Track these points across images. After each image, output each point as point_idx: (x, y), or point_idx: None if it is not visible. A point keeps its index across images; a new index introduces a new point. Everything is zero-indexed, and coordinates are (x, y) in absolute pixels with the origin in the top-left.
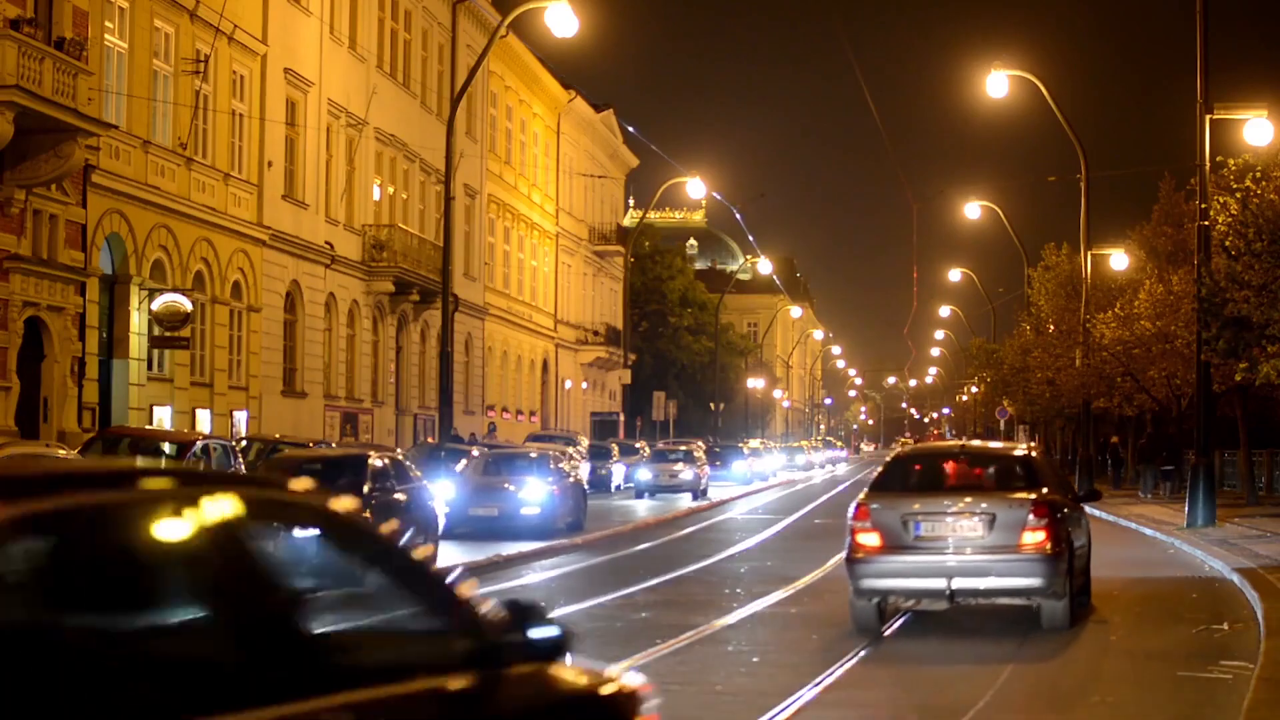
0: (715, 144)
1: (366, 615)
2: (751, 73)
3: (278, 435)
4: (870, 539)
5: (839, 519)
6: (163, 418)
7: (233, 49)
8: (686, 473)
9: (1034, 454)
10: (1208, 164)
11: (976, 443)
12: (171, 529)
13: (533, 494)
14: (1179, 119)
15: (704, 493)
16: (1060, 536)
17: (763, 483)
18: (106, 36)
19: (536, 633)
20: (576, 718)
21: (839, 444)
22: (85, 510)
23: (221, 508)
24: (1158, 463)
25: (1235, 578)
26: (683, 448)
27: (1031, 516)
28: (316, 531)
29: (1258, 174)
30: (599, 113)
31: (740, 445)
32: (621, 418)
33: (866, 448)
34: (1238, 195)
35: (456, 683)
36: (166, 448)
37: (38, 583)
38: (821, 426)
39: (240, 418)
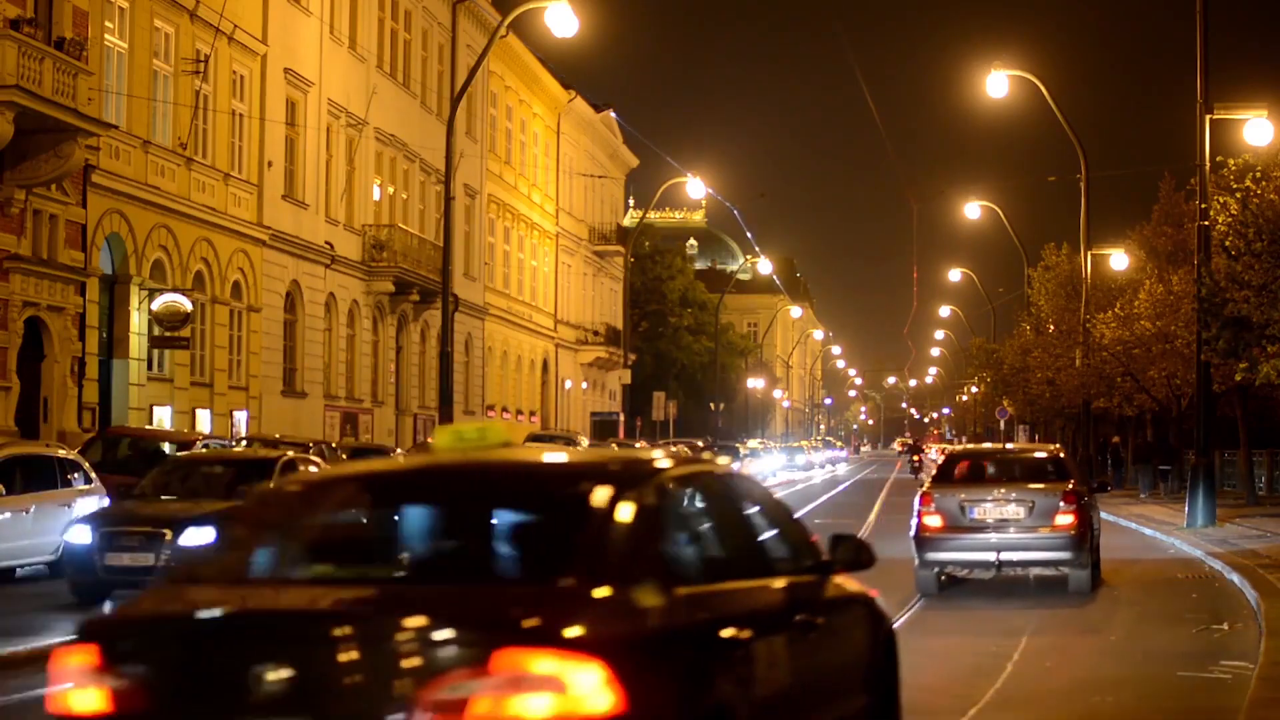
0: (715, 144)
1: (769, 538)
2: (752, 72)
3: (278, 435)
4: (934, 520)
5: (839, 519)
6: (163, 418)
7: (233, 49)
8: None
9: (1061, 454)
10: (1208, 164)
11: (1014, 444)
12: (706, 487)
13: None
14: (1179, 119)
15: None
16: (1085, 520)
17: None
18: (106, 36)
19: (850, 554)
20: (859, 601)
21: (839, 444)
22: (683, 478)
23: (724, 476)
24: (1154, 462)
25: (1235, 577)
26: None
27: (1062, 503)
28: (745, 490)
29: (1258, 174)
30: (599, 113)
31: (737, 445)
32: (621, 418)
33: (865, 448)
34: (1238, 195)
35: (808, 579)
36: (166, 448)
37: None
38: (821, 426)
39: (240, 418)
